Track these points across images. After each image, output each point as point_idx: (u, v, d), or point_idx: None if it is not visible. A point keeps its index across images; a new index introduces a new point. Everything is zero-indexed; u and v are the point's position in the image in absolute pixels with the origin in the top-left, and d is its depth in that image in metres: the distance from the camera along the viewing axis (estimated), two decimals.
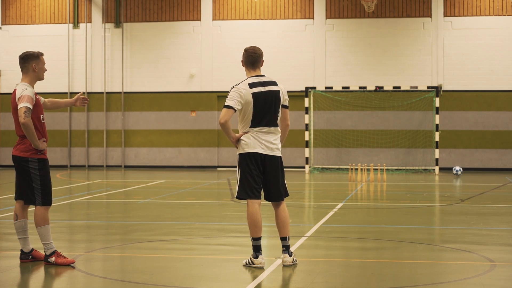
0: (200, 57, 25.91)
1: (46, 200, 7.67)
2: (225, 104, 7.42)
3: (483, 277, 7.09)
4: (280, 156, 7.62)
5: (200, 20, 26.00)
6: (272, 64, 25.02)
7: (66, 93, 26.56)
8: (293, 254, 7.59)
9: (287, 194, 7.76)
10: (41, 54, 7.86)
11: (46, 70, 7.90)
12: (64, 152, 26.68)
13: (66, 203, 14.16)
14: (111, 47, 26.43)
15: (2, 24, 26.84)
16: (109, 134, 26.57)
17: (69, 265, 7.55)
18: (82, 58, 26.52)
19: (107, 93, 26.45)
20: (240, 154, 7.54)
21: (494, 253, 8.40)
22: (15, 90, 7.69)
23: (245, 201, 7.61)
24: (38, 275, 7.24)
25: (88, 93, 26.48)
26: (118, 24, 26.41)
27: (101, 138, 26.56)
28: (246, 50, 7.57)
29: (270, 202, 7.74)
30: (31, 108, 7.54)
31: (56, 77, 26.53)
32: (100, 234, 10.12)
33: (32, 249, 7.82)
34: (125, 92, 26.25)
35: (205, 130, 25.86)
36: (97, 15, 26.55)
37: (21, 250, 7.79)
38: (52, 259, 7.60)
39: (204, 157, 25.95)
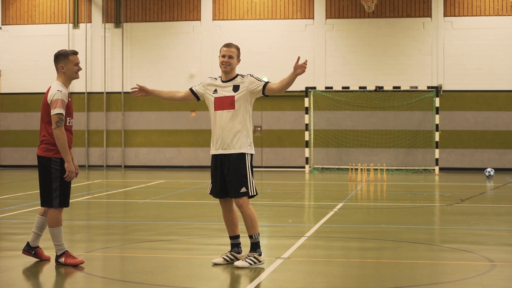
0: (200, 57, 25.91)
1: (63, 201, 7.57)
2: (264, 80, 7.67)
3: (483, 277, 7.08)
4: None
5: (200, 20, 26.00)
6: (272, 64, 25.03)
7: None
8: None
9: None
10: (72, 53, 7.60)
11: (79, 70, 7.63)
12: None
13: None
14: (111, 47, 26.43)
15: (2, 24, 26.84)
16: (109, 134, 26.57)
17: (78, 265, 7.52)
18: (82, 58, 26.49)
19: (107, 93, 26.45)
20: (251, 155, 7.63)
21: (494, 253, 8.40)
22: (50, 87, 7.51)
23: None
24: (38, 275, 7.23)
25: (88, 93, 26.49)
26: (118, 24, 26.41)
27: (101, 138, 26.55)
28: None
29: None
30: (64, 114, 7.41)
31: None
32: (100, 234, 10.11)
33: (38, 247, 7.78)
34: (125, 92, 26.25)
35: (205, 130, 25.86)
36: (97, 15, 26.55)
37: (27, 242, 7.75)
38: (62, 259, 7.57)
39: (204, 157, 25.95)
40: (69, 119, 7.55)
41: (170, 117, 26.14)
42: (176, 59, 26.03)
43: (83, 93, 26.51)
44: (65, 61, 7.55)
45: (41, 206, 7.66)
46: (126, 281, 6.95)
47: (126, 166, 26.30)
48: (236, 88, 7.66)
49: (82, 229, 10.79)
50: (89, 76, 26.50)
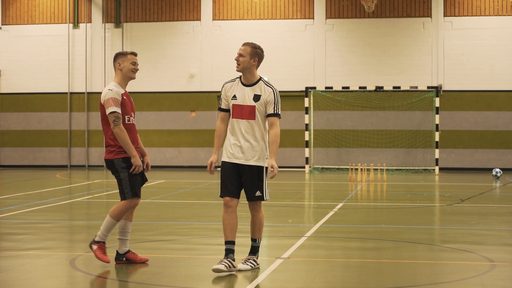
0: (200, 57, 25.91)
1: (133, 190, 7.56)
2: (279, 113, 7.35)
3: (483, 277, 7.08)
4: None
5: (200, 20, 26.00)
6: (272, 64, 25.02)
7: (66, 93, 26.57)
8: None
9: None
10: (130, 52, 7.65)
11: (135, 69, 7.63)
12: (64, 152, 26.68)
13: (66, 203, 14.16)
14: (111, 47, 26.43)
15: (2, 24, 26.84)
16: None
17: (103, 261, 7.51)
18: (82, 58, 26.51)
19: None
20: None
21: (494, 253, 8.40)
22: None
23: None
24: (38, 275, 7.23)
25: (88, 93, 26.48)
26: (118, 24, 26.41)
27: (101, 138, 26.55)
28: (262, 50, 7.38)
29: (247, 204, 7.61)
30: (119, 111, 7.41)
31: (56, 77, 26.54)
32: None
33: (128, 251, 7.70)
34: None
35: (205, 130, 25.86)
36: (97, 15, 26.55)
37: (116, 251, 7.71)
38: (95, 247, 7.58)
39: (204, 157, 25.95)
40: (128, 117, 7.56)
41: (170, 117, 26.14)
42: (176, 59, 26.03)
43: (83, 93, 26.51)
44: (123, 59, 7.61)
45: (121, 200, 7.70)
46: (126, 281, 6.95)
47: None
48: (257, 98, 7.25)
49: (82, 229, 10.79)
50: (89, 76, 26.50)
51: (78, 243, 9.60)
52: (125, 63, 7.60)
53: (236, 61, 7.28)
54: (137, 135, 7.71)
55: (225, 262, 7.17)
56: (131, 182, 7.60)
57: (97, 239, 7.62)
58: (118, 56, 7.65)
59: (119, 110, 7.42)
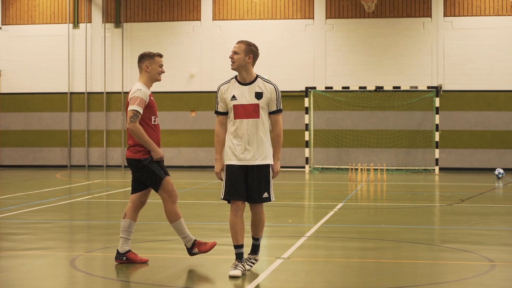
0: (200, 57, 25.91)
1: (165, 170, 7.60)
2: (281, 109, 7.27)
3: (483, 277, 7.08)
4: None
5: (200, 20, 26.00)
6: (272, 64, 25.02)
7: (66, 93, 26.57)
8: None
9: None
10: (157, 55, 7.70)
11: (162, 72, 7.70)
12: (64, 152, 26.67)
13: (66, 203, 14.16)
14: (111, 47, 26.43)
15: (2, 24, 26.84)
16: (109, 134, 26.57)
17: (208, 250, 7.58)
18: (82, 58, 26.52)
19: (107, 93, 26.45)
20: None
21: (494, 253, 8.40)
22: (131, 89, 7.63)
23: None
24: (38, 275, 7.23)
25: (88, 93, 26.48)
26: (118, 24, 26.41)
27: (101, 138, 26.55)
28: (256, 47, 7.29)
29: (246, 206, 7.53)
30: (140, 112, 7.45)
31: (56, 77, 26.54)
32: (100, 234, 10.11)
33: (129, 250, 7.67)
34: (125, 92, 26.24)
35: (205, 130, 25.86)
36: (97, 15, 26.55)
37: (117, 250, 7.69)
38: (195, 250, 7.61)
39: (204, 157, 25.95)
40: (154, 118, 7.61)
41: (170, 117, 26.13)
42: (176, 59, 26.03)
43: (83, 93, 26.51)
44: (151, 61, 7.65)
45: (146, 188, 7.69)
46: (126, 281, 6.95)
47: (126, 166, 26.28)
48: (259, 95, 7.07)
49: (82, 229, 10.79)
50: (89, 76, 26.50)
51: (78, 243, 9.60)
52: (153, 66, 7.66)
53: (230, 59, 7.14)
54: (160, 136, 7.76)
55: (240, 267, 7.06)
56: (159, 169, 7.58)
57: (188, 246, 7.66)
58: (144, 57, 7.67)
59: (140, 110, 7.45)
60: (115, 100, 26.46)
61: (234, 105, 7.09)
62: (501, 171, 21.14)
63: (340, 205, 13.77)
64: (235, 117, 7.10)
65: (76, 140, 26.67)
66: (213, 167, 25.85)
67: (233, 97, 7.10)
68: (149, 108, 7.56)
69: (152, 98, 7.64)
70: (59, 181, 19.97)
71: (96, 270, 7.46)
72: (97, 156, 26.60)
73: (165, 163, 26.08)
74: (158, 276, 7.10)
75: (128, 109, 7.48)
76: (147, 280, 6.90)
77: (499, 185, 18.93)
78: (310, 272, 7.34)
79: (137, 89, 7.52)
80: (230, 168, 7.14)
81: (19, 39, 26.71)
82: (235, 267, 7.05)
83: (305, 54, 25.32)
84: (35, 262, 7.80)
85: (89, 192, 16.84)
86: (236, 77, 7.20)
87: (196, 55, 25.94)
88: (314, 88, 24.84)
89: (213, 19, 25.92)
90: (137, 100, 7.45)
